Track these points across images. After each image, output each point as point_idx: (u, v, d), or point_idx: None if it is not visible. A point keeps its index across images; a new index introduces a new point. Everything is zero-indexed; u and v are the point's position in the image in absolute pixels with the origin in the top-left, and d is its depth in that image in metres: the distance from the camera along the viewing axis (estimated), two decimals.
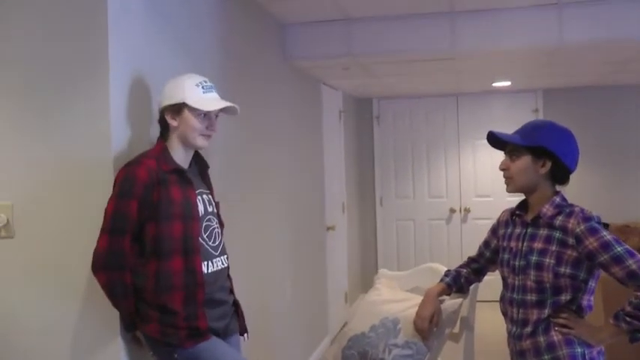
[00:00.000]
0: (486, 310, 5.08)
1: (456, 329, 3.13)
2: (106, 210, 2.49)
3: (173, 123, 2.64)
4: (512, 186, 2.67)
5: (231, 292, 2.88)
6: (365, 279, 8.80)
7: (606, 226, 3.17)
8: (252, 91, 4.36)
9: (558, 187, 2.67)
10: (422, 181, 8.78)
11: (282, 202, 5.10)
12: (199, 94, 2.63)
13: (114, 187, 2.52)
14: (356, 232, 8.56)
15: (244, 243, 4.04)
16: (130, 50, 2.78)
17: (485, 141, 2.75)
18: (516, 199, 2.74)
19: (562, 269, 2.51)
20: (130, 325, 2.61)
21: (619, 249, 2.43)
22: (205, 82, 2.68)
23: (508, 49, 5.04)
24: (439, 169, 8.72)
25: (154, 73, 2.93)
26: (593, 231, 2.46)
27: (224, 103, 2.69)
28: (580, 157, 2.65)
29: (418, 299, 3.05)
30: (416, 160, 8.78)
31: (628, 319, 2.42)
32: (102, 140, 2.62)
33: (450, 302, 3.02)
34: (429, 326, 2.94)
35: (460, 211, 8.68)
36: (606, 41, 4.86)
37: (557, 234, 2.53)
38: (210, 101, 2.66)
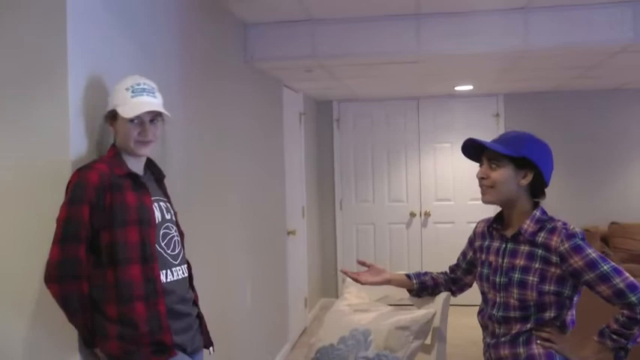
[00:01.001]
0: (456, 315, 5.02)
1: (428, 340, 3.04)
2: (57, 218, 2.37)
3: (111, 129, 2.57)
4: (491, 196, 2.56)
5: (195, 304, 2.77)
6: (325, 284, 8.74)
7: None
8: (212, 92, 4.25)
9: (536, 200, 2.59)
10: (382, 184, 8.71)
11: (243, 206, 5.00)
12: (127, 98, 2.50)
13: (66, 193, 2.41)
14: (316, 236, 8.47)
15: (203, 248, 3.94)
16: (89, 52, 2.67)
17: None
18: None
19: (546, 287, 2.44)
20: (89, 341, 2.46)
21: (605, 267, 2.37)
22: (138, 84, 2.53)
23: (474, 52, 4.99)
24: (399, 173, 8.67)
25: (113, 74, 2.81)
26: (578, 249, 2.39)
27: (146, 108, 2.52)
28: None
29: (388, 310, 2.96)
30: (376, 163, 8.72)
31: (614, 336, 2.37)
32: (60, 144, 2.50)
33: (423, 312, 2.93)
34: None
35: (420, 215, 8.63)
36: (571, 46, 4.84)
37: (540, 251, 2.46)
38: (135, 106, 2.50)
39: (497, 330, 2.58)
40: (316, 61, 5.23)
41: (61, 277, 2.34)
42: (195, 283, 2.85)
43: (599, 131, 8.28)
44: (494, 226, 2.65)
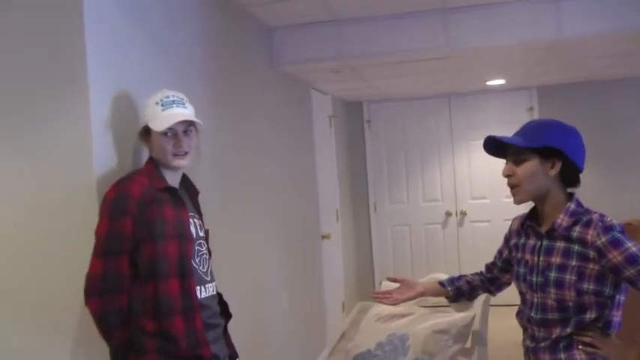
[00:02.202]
0: (497, 316, 4.89)
1: (468, 344, 2.94)
2: (96, 231, 2.34)
3: (147, 146, 2.56)
4: (521, 195, 2.41)
5: (220, 315, 2.74)
6: (361, 287, 8.65)
7: None
8: (239, 99, 4.19)
9: (570, 190, 2.43)
10: (416, 184, 8.61)
11: (275, 212, 4.94)
12: (158, 112, 2.48)
13: (103, 206, 2.37)
14: (351, 239, 8.40)
15: (237, 257, 3.90)
16: (110, 62, 2.61)
17: (480, 141, 2.51)
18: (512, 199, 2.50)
19: (585, 286, 2.28)
20: (122, 358, 2.40)
21: None
22: (167, 97, 2.51)
23: (504, 45, 4.87)
24: (433, 172, 8.56)
25: (136, 84, 2.78)
26: (616, 243, 2.23)
27: (177, 118, 2.49)
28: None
29: (426, 313, 2.87)
30: (409, 163, 8.62)
31: None
32: (83, 158, 2.46)
33: (462, 316, 2.83)
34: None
35: (456, 214, 8.51)
36: (604, 34, 4.70)
37: (576, 247, 2.30)
38: (166, 118, 2.48)
39: (536, 333, 2.44)
40: (343, 62, 5.15)
41: (103, 291, 2.31)
42: (230, 290, 2.85)
43: (636, 119, 8.08)
44: (528, 223, 2.50)
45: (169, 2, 3.25)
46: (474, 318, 2.85)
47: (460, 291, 2.88)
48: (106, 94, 2.56)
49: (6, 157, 2.51)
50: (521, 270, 2.49)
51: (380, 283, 3.52)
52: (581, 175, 2.42)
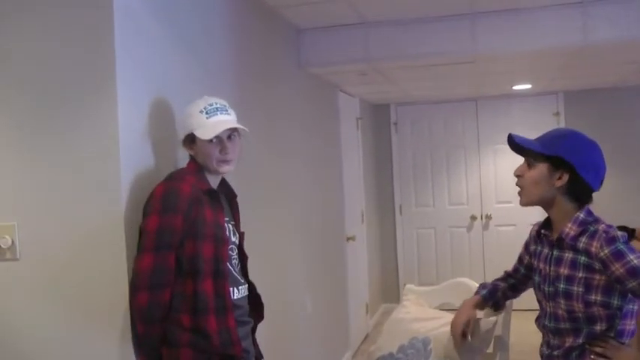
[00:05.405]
0: (520, 320, 4.89)
1: (490, 349, 2.95)
2: (146, 227, 2.40)
3: (191, 153, 2.61)
4: (524, 198, 2.44)
5: (251, 314, 2.80)
6: (386, 289, 8.65)
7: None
8: (267, 100, 4.23)
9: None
10: (442, 188, 8.60)
11: (301, 213, 4.97)
12: (203, 120, 2.54)
13: (153, 202, 2.43)
14: (376, 241, 8.40)
15: (262, 258, 3.91)
16: (140, 65, 2.63)
17: (506, 145, 2.51)
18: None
19: (592, 297, 2.27)
20: (153, 352, 2.46)
21: None
22: (210, 105, 2.56)
23: (531, 50, 4.87)
24: (459, 176, 8.55)
25: (165, 87, 2.81)
26: (618, 255, 2.21)
27: (224, 126, 2.54)
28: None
29: (449, 317, 2.88)
30: (435, 166, 8.61)
31: None
32: (111, 155, 2.47)
33: (484, 321, 2.83)
34: (463, 333, 2.73)
35: (481, 218, 8.49)
36: (631, 40, 4.66)
37: (582, 258, 2.29)
38: (213, 126, 2.53)
39: (551, 341, 2.45)
40: (370, 65, 5.17)
41: (152, 285, 2.36)
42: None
43: None
44: (543, 231, 2.50)
45: (199, 4, 3.28)
46: (496, 323, 2.85)
47: (498, 305, 2.87)
48: (135, 97, 2.58)
49: (33, 163, 2.53)
50: (537, 278, 2.50)
51: (404, 286, 3.53)
52: (604, 182, 2.38)
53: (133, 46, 2.59)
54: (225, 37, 3.61)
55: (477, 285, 3.00)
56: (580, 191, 2.36)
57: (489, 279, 2.94)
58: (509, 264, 2.88)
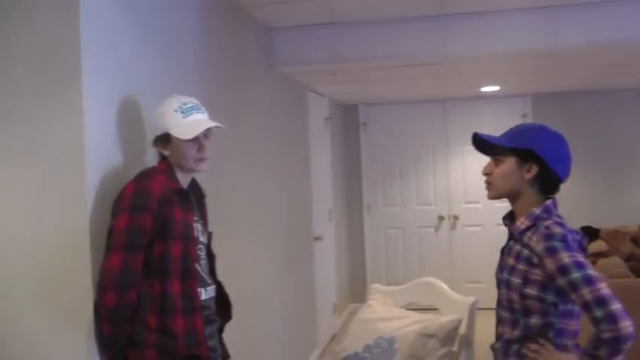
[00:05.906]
0: (487, 318, 4.93)
1: (455, 347, 2.98)
2: (115, 226, 2.36)
3: (166, 153, 2.57)
4: (492, 191, 2.46)
5: (217, 314, 2.78)
6: (354, 289, 8.68)
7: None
8: (236, 99, 4.21)
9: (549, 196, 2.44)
10: (410, 188, 8.66)
11: (269, 212, 4.96)
12: (179, 120, 2.52)
13: (122, 202, 2.39)
14: (343, 241, 8.42)
15: (228, 258, 3.89)
16: (105, 63, 2.60)
17: (474, 147, 2.54)
18: (506, 205, 2.50)
19: (528, 290, 2.29)
20: (119, 354, 2.43)
21: (575, 274, 2.16)
22: (185, 104, 2.55)
23: (499, 52, 4.91)
24: (427, 176, 8.61)
25: (131, 84, 2.77)
26: (551, 251, 2.22)
27: (204, 125, 2.54)
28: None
29: (415, 316, 2.90)
30: (404, 166, 8.67)
31: (586, 358, 2.17)
32: (76, 154, 2.43)
33: (449, 319, 2.87)
34: None
35: (449, 218, 8.55)
36: (599, 44, 4.74)
37: (525, 252, 2.32)
38: (191, 126, 2.52)
39: (498, 329, 2.48)
40: (340, 65, 5.18)
41: (120, 285, 2.33)
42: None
43: (630, 130, 8.15)
44: (505, 221, 2.53)
45: (166, 1, 3.24)
46: (460, 321, 2.88)
47: None
48: (101, 96, 2.54)
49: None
50: (497, 265, 2.53)
51: (371, 286, 3.55)
52: (572, 181, 2.44)
53: (99, 44, 2.56)
54: (193, 34, 3.59)
55: (444, 285, 3.02)
56: (548, 182, 2.39)
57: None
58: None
